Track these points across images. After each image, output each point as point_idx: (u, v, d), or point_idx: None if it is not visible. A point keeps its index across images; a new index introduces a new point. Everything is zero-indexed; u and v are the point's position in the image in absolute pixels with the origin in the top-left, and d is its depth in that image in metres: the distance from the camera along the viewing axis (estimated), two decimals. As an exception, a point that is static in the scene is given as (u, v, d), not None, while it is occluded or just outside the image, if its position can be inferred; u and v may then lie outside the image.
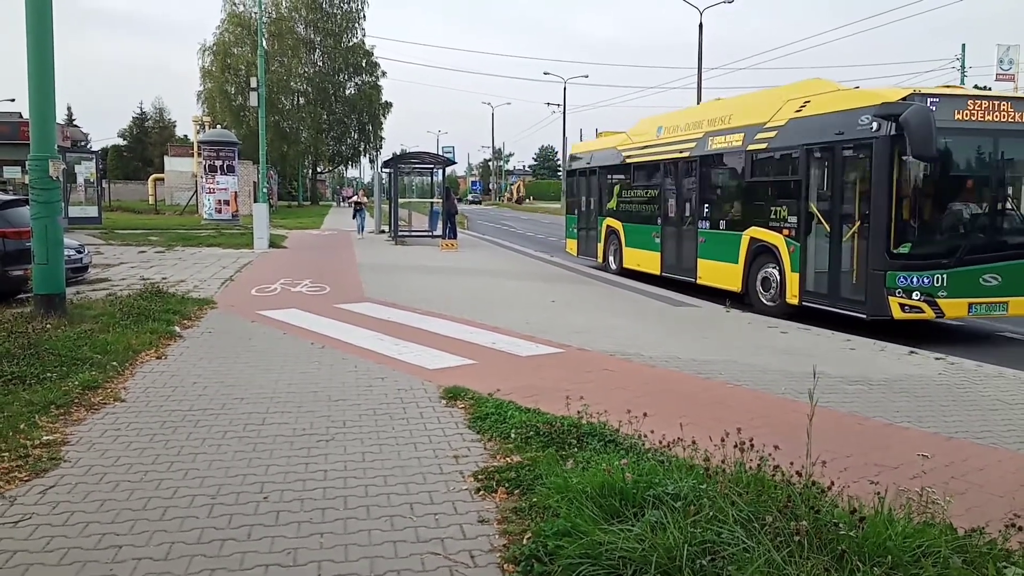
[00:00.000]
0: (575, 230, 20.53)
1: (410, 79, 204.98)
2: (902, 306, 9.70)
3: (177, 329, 9.13)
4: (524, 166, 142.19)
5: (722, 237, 13.25)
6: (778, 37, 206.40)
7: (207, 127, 43.65)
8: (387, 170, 28.90)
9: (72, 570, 3.45)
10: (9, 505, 4.14)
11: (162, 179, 52.38)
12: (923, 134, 9.14)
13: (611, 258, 17.94)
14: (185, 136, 75.45)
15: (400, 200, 27.20)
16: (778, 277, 11.70)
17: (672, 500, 3.64)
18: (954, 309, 9.82)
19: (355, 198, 29.27)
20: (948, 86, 11.39)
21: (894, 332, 10.06)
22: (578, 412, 5.38)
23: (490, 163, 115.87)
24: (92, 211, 28.37)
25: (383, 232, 29.01)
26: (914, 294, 9.69)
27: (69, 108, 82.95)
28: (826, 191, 10.84)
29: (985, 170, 10.13)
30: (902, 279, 9.70)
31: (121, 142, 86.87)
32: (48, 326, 8.22)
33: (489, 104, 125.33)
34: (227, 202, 31.99)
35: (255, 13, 48.94)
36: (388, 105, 64.32)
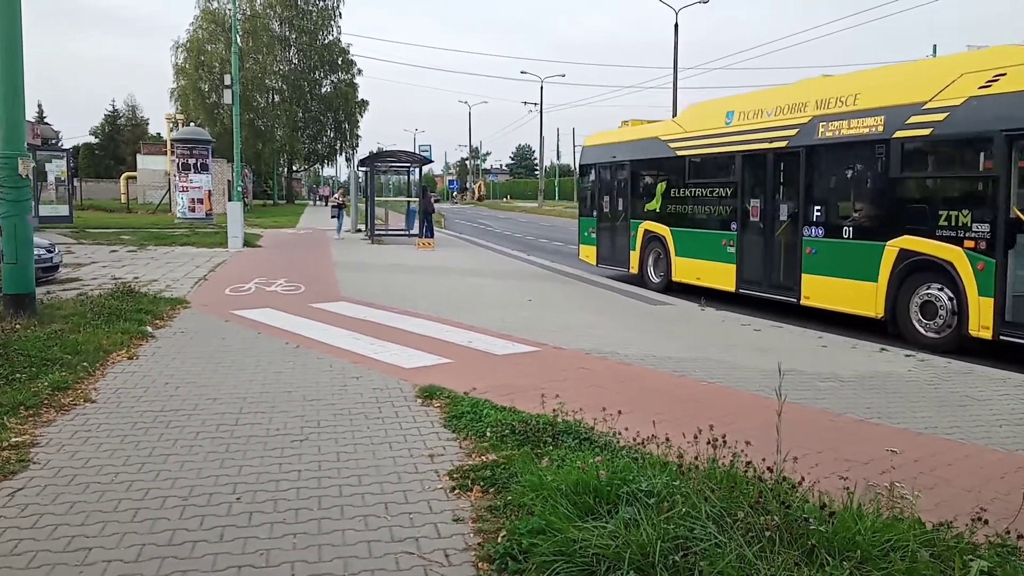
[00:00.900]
0: (592, 235, 17.62)
1: (387, 77, 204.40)
2: None
3: (149, 329, 9.02)
4: (501, 165, 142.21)
5: (847, 248, 10.54)
6: (754, 37, 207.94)
7: (180, 125, 43.20)
8: (364, 169, 28.77)
9: (41, 573, 3.40)
10: (-25, 508, 4.07)
11: (134, 177, 51.69)
12: None
13: (650, 269, 15.24)
14: (158, 134, 74.49)
15: (377, 199, 27.08)
16: (949, 303, 9.15)
17: (646, 497, 3.67)
18: None
19: (337, 199, 29.05)
20: None
21: (867, 329, 10.19)
22: (553, 410, 5.39)
23: (467, 162, 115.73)
24: (63, 210, 27.99)
25: (359, 231, 28.87)
26: None
27: (39, 105, 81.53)
28: None
29: None
30: None
31: (93, 140, 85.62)
32: (17, 326, 8.09)
33: (466, 103, 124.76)
34: (201, 201, 31.68)
35: (229, 10, 48.49)
36: (364, 103, 64.02)
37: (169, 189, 38.72)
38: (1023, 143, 8.41)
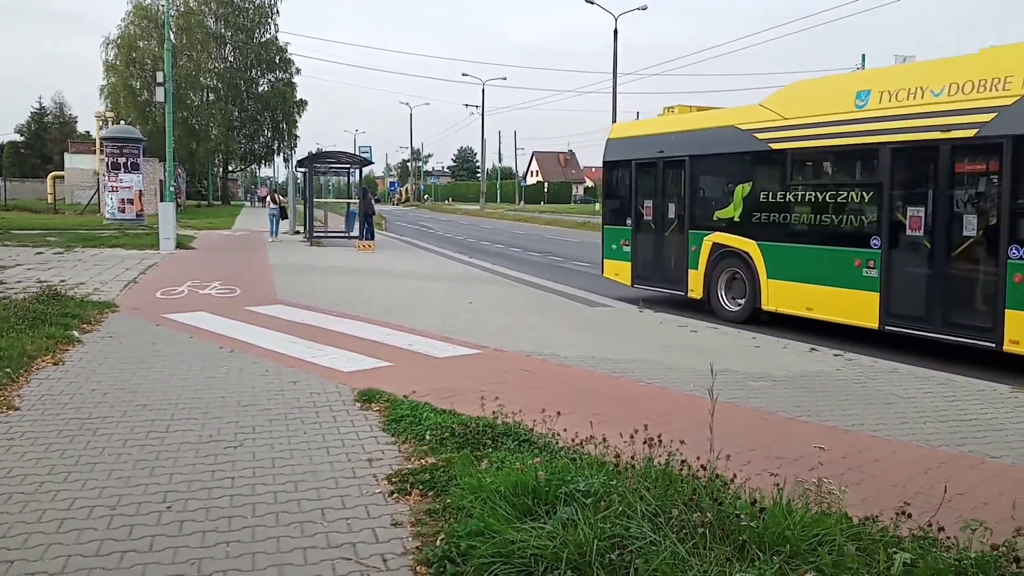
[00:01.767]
0: (624, 247, 14.13)
1: (326, 77, 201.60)
2: None
3: (76, 334, 8.72)
4: (443, 167, 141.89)
5: None
6: (688, 45, 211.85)
7: (110, 123, 41.85)
8: (302, 169, 28.34)
9: (-44, 590, 3.25)
10: None
11: (62, 177, 49.83)
12: None
13: (722, 293, 12.00)
14: (87, 132, 72.10)
15: (316, 200, 26.70)
16: None
17: (583, 497, 3.70)
18: None
19: (280, 200, 28.48)
20: None
21: (796, 329, 10.47)
22: (493, 412, 5.40)
23: (408, 163, 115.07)
24: (-16, 210, 26.80)
25: (298, 233, 28.42)
26: None
27: (-42, 101, 78.13)
28: None
29: None
30: None
31: (18, 138, 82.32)
32: (-68, 332, 7.72)
33: (407, 104, 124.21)
34: (131, 201, 30.70)
35: (162, 6, 47.22)
36: (303, 103, 63.14)
37: (98, 189, 37.43)
38: None
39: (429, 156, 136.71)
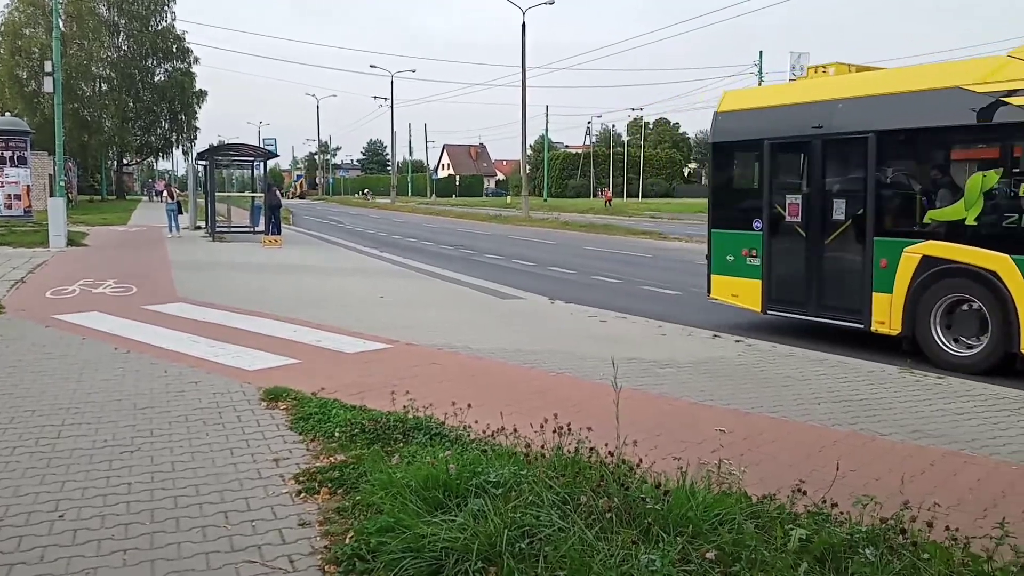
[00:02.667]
0: (751, 259, 10.24)
1: (228, 67, 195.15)
2: None
3: (-45, 338, 8.18)
4: (352, 160, 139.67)
5: None
6: (594, 40, 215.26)
7: (-7, 114, 39.34)
8: (203, 162, 27.36)
9: None
10: None
11: (-61, 171, 46.59)
12: None
13: (937, 330, 8.42)
14: (-33, 123, 67.63)
15: (218, 194, 25.83)
16: None
17: (494, 488, 3.71)
18: None
19: (176, 194, 27.38)
20: None
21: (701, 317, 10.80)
22: (404, 407, 5.36)
23: (316, 156, 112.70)
24: None
25: (199, 228, 27.45)
26: None
27: None
28: None
29: None
30: None
31: None
32: None
33: (314, 96, 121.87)
34: (18, 197, 29.00)
35: (48, -10, 44.70)
36: (203, 93, 60.97)
37: (-20, 184, 35.15)
38: None
39: (338, 149, 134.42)
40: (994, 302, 7.92)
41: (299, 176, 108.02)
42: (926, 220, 8.68)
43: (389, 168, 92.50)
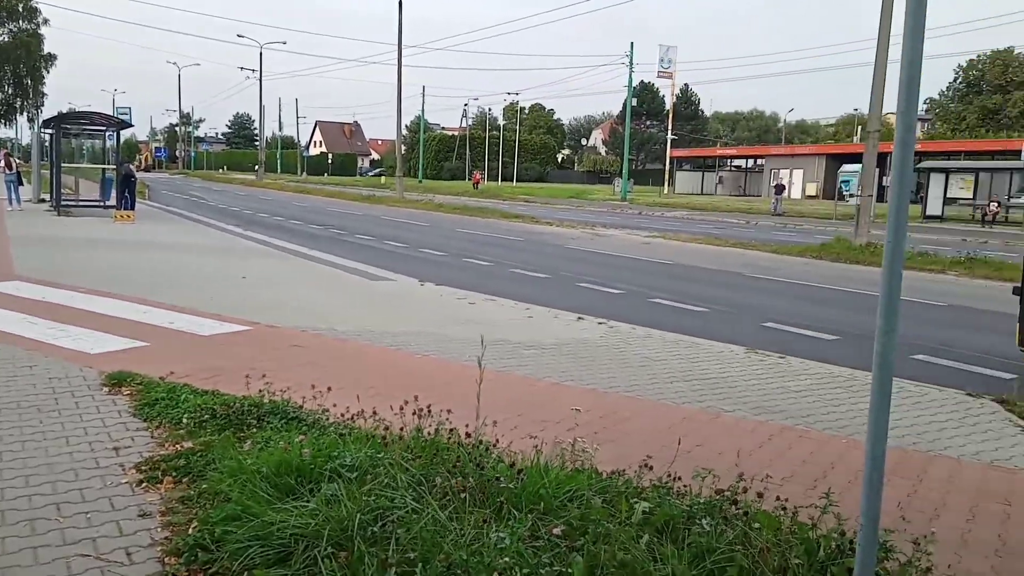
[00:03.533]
0: None
1: (81, 29, 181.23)
2: None
3: None
4: (217, 134, 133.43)
5: None
6: (475, 20, 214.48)
7: None
8: (49, 131, 25.37)
9: None
10: None
11: None
12: None
13: None
14: None
15: (66, 165, 24.04)
16: None
17: (349, 472, 3.66)
18: None
19: (16, 164, 25.24)
20: None
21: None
22: (260, 391, 5.18)
23: (177, 128, 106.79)
24: None
25: (43, 201, 25.47)
26: None
27: None
28: None
29: None
30: None
31: None
32: None
33: (175, 64, 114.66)
34: None
35: None
36: (51, 57, 56.61)
37: None
38: None
39: (201, 121, 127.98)
40: None
41: (159, 150, 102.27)
42: None
43: (257, 143, 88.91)
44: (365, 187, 60.09)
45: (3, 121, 60.38)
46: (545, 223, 28.12)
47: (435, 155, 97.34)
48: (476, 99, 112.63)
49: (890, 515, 3.53)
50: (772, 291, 13.63)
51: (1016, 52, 68.98)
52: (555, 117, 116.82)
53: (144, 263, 12.83)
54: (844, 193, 42.38)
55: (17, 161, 28.54)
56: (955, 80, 74.45)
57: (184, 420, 4.82)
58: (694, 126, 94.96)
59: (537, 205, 42.11)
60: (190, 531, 3.40)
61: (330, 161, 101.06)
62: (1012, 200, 34.87)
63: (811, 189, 60.25)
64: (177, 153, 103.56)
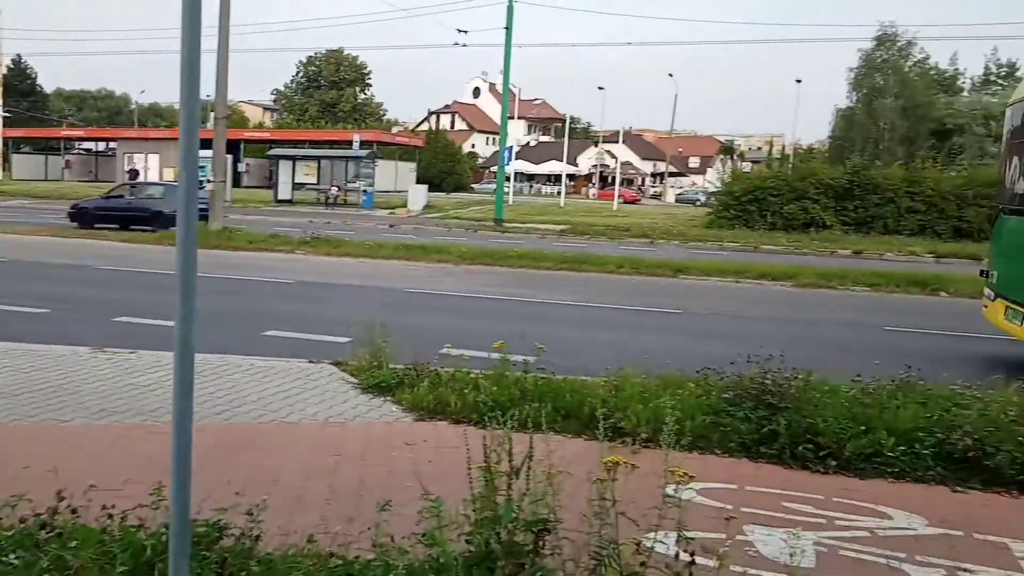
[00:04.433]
0: None
1: None
2: None
3: None
4: None
5: None
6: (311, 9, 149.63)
7: None
8: None
9: None
10: None
11: None
12: None
13: None
14: None
15: None
16: None
17: None
18: None
19: None
20: None
21: None
22: None
23: None
24: None
25: None
26: None
27: None
28: None
29: None
30: None
31: None
32: None
33: None
34: None
35: None
36: None
37: None
38: None
39: None
40: None
41: None
42: None
43: None
44: None
45: None
46: None
47: None
48: None
49: (227, 492, 3.61)
50: (128, 283, 12.93)
51: (346, 52, 78.70)
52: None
53: None
54: (202, 179, 42.69)
55: None
56: (298, 74, 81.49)
57: None
58: (32, 103, 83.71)
59: None
60: None
61: None
62: (349, 185, 39.96)
63: (169, 174, 58.99)
64: None
